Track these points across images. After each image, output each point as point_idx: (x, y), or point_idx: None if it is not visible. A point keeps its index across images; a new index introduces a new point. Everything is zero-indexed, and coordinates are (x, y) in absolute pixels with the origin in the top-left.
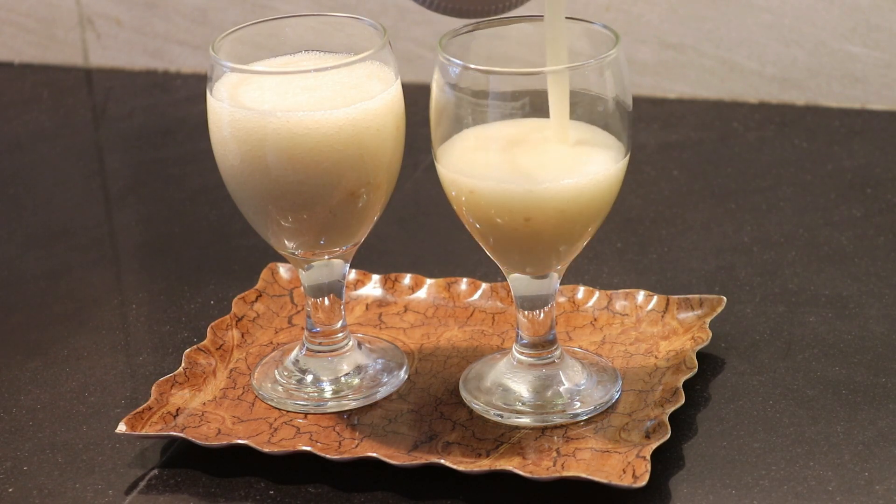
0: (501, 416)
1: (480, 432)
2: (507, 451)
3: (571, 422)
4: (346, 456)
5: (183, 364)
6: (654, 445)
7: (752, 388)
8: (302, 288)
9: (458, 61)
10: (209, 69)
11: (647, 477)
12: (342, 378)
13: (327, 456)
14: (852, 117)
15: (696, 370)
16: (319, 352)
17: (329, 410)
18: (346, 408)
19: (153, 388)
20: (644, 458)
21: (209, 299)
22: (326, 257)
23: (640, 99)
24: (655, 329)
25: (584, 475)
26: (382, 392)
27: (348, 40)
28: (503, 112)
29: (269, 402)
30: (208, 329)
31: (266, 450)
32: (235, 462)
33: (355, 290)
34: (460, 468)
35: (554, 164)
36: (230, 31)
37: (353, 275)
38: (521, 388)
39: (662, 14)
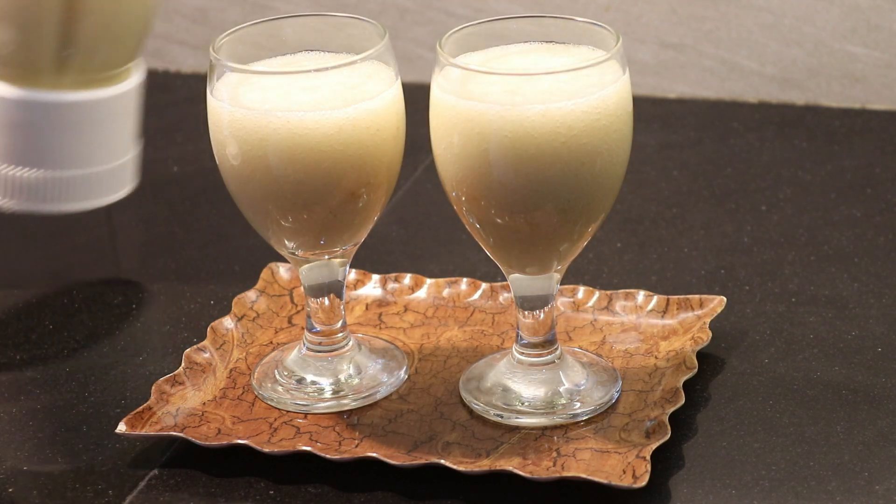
0: (501, 417)
1: (480, 432)
2: (507, 451)
3: (571, 422)
4: (346, 456)
5: (183, 364)
6: (654, 445)
7: (752, 388)
8: (302, 288)
9: (457, 61)
10: (209, 69)
11: (647, 477)
12: (342, 378)
13: (327, 456)
14: (852, 117)
15: (696, 370)
16: (319, 352)
17: (329, 410)
18: (346, 408)
19: (153, 388)
20: (644, 458)
21: (209, 299)
22: (326, 257)
23: (640, 99)
24: (655, 329)
25: (584, 475)
26: (382, 392)
27: (348, 40)
28: None
29: (269, 402)
30: (208, 329)
31: (266, 450)
32: (235, 462)
33: (355, 290)
34: (460, 468)
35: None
36: (230, 31)
37: (353, 275)
38: (521, 388)
39: (662, 14)
